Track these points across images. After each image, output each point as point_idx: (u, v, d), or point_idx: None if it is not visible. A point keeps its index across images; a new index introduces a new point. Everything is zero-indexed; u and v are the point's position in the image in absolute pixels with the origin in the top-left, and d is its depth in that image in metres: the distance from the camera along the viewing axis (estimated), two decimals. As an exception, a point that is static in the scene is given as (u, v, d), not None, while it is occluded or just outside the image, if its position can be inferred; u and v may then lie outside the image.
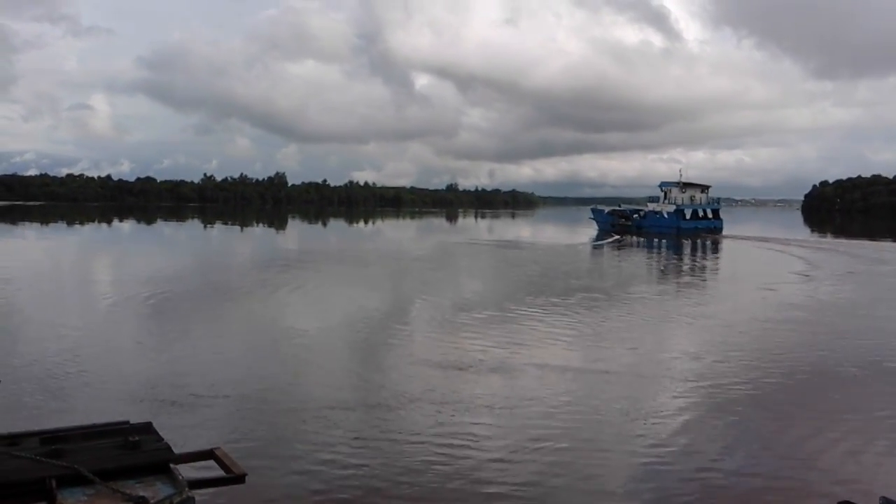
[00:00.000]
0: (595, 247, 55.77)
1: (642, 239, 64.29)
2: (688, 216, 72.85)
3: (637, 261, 45.03)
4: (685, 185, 75.97)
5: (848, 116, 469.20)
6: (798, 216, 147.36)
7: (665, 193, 76.82)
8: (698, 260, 46.32)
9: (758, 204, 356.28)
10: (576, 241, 62.37)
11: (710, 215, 74.63)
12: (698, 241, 61.99)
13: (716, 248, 54.73)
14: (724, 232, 69.34)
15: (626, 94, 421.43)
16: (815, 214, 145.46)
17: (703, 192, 76.59)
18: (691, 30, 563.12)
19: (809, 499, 8.27)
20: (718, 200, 78.89)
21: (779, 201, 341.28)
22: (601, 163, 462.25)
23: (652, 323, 19.80)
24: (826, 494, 7.99)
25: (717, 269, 39.96)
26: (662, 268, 39.84)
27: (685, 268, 40.33)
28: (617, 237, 64.52)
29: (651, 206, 77.97)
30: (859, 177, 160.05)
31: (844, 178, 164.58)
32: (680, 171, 78.85)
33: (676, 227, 69.88)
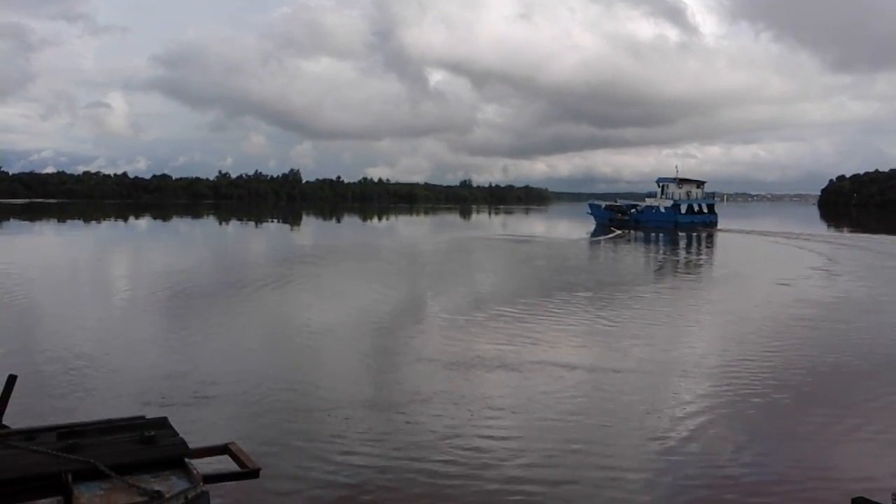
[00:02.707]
0: (593, 242, 56.05)
1: (641, 233, 65.19)
2: (683, 211, 74.71)
3: (642, 255, 45.06)
4: (681, 181, 77.85)
5: (866, 110, 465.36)
6: (814, 211, 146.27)
7: (662, 188, 78.69)
8: (704, 254, 46.06)
9: (774, 199, 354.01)
10: (583, 236, 62.46)
11: (705, 210, 76.39)
12: (695, 234, 62.75)
13: (719, 243, 54.46)
14: (719, 226, 71.12)
15: (642, 88, 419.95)
16: (831, 209, 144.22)
17: (698, 187, 78.72)
18: (708, 24, 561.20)
19: (824, 495, 8.21)
20: (713, 195, 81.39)
21: (795, 196, 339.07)
22: (615, 158, 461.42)
23: (666, 319, 19.69)
24: (841, 491, 7.92)
25: (726, 264, 39.53)
26: (670, 262, 39.67)
27: (693, 263, 40.13)
28: (619, 232, 65.07)
29: (648, 201, 79.99)
30: (876, 171, 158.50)
31: (861, 172, 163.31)
32: (676, 166, 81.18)
33: (674, 222, 71.96)
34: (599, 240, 56.75)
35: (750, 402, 11.66)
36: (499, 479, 8.49)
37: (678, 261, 41.25)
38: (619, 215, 78.50)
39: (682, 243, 54.18)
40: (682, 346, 16.24)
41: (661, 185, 79.26)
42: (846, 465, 9.14)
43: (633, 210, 79.83)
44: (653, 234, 63.23)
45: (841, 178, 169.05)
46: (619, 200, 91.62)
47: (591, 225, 77.25)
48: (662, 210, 75.64)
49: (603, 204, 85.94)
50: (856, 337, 17.20)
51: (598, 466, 8.96)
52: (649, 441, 9.78)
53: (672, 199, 76.00)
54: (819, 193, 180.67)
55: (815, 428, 10.49)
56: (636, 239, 58.18)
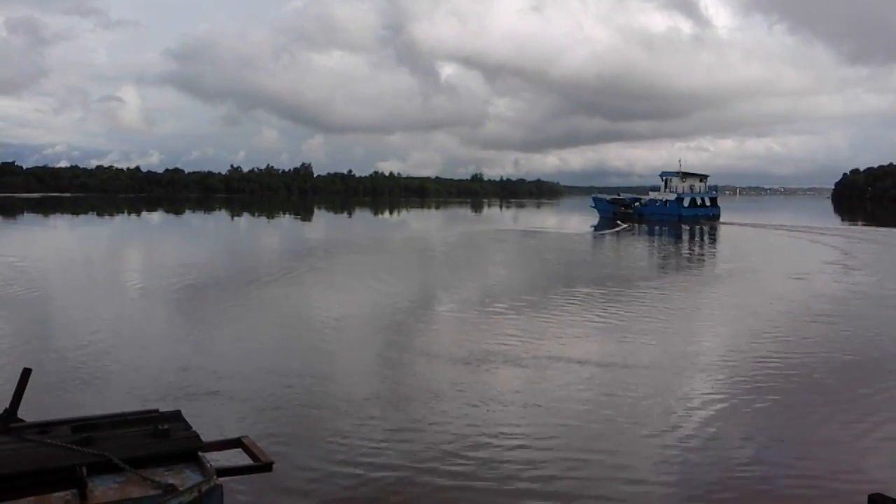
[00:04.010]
0: (597, 235, 56.53)
1: (645, 226, 66.21)
2: (687, 204, 75.81)
3: (651, 249, 45.11)
4: (685, 175, 79.28)
5: (881, 103, 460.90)
6: (828, 204, 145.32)
7: (665, 182, 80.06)
8: (713, 248, 45.95)
9: (787, 192, 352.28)
10: (588, 230, 62.71)
11: (707, 203, 77.74)
12: (701, 228, 63.78)
13: (729, 237, 54.41)
14: (722, 219, 72.47)
15: (655, 82, 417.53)
16: (845, 203, 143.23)
17: (701, 181, 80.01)
18: (721, 16, 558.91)
19: (842, 492, 8.15)
20: (716, 188, 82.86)
21: (809, 190, 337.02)
22: (628, 152, 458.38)
23: (680, 315, 19.60)
24: (859, 488, 7.87)
25: (737, 258, 39.28)
26: (681, 257, 39.50)
27: (703, 257, 39.91)
28: (625, 225, 65.87)
29: (652, 195, 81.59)
30: (891, 164, 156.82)
31: (876, 165, 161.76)
32: (680, 161, 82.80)
33: (678, 215, 72.96)
34: (605, 233, 56.97)
35: (767, 399, 11.58)
36: (513, 477, 8.46)
37: (688, 255, 41.09)
38: (622, 208, 79.92)
39: (690, 237, 54.53)
40: (698, 342, 16.17)
41: (664, 178, 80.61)
42: (863, 461, 9.06)
43: (636, 203, 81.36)
44: (657, 227, 64.17)
45: (855, 171, 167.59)
46: (621, 194, 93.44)
47: (596, 218, 77.77)
48: (666, 203, 76.89)
49: (607, 197, 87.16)
50: (873, 333, 17.03)
51: (616, 467, 8.93)
52: (667, 443, 9.70)
53: (675, 192, 77.29)
54: (833, 187, 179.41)
55: (832, 425, 10.40)
56: (641, 232, 58.67)
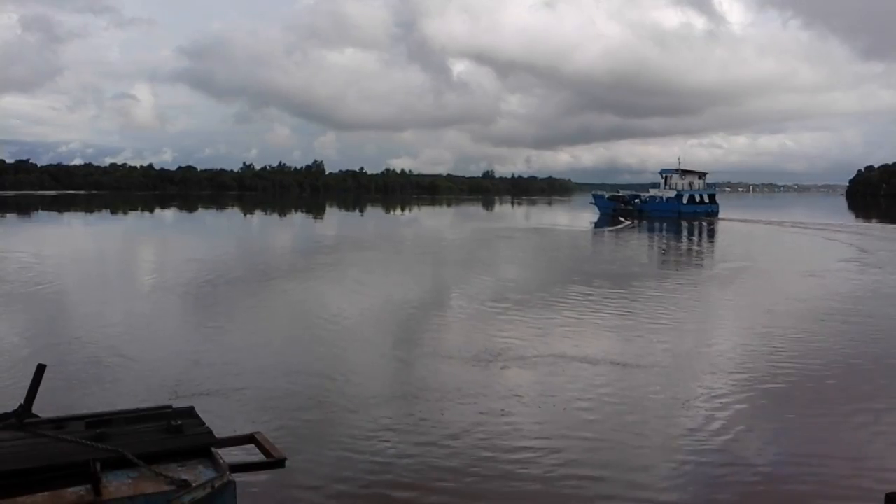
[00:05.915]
0: (596, 231, 57.20)
1: (645, 222, 67.28)
2: (686, 201, 77.23)
3: (653, 245, 45.14)
4: (684, 172, 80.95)
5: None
6: (841, 201, 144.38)
7: (665, 179, 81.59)
8: (716, 245, 45.74)
9: (801, 189, 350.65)
10: (597, 227, 62.91)
11: (706, 200, 79.00)
12: (702, 224, 64.54)
13: (737, 233, 54.33)
14: (723, 215, 73.96)
15: (667, 78, 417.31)
16: (859, 199, 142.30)
17: (700, 178, 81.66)
18: (735, 12, 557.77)
19: (858, 491, 8.08)
20: (714, 186, 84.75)
21: (822, 186, 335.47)
22: (640, 148, 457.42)
23: (693, 312, 19.51)
24: (875, 487, 7.80)
25: (746, 255, 39.09)
26: (686, 253, 39.36)
27: (709, 254, 39.67)
28: (628, 222, 66.75)
29: (652, 192, 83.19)
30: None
31: (891, 162, 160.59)
32: (679, 158, 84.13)
33: (677, 211, 74.56)
34: (605, 230, 57.33)
35: (781, 398, 11.49)
36: (528, 477, 8.42)
37: (693, 252, 40.91)
38: (622, 205, 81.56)
39: (693, 233, 54.72)
40: (711, 341, 16.06)
41: (664, 175, 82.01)
42: (880, 461, 8.98)
43: (636, 200, 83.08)
44: (657, 224, 65.05)
45: (870, 168, 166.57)
46: (620, 191, 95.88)
47: (596, 215, 78.75)
48: (666, 200, 78.55)
49: (606, 194, 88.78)
50: (891, 332, 16.87)
51: (626, 468, 8.89)
52: (678, 441, 9.67)
53: (675, 189, 78.79)
54: (847, 184, 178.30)
55: (849, 424, 10.29)
56: (642, 228, 59.69)
